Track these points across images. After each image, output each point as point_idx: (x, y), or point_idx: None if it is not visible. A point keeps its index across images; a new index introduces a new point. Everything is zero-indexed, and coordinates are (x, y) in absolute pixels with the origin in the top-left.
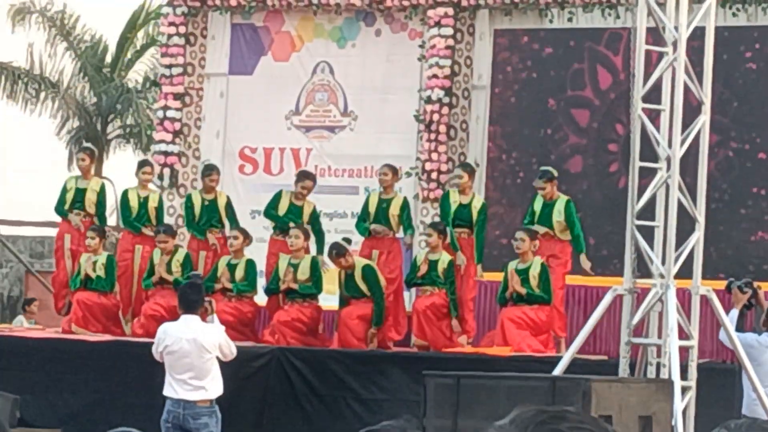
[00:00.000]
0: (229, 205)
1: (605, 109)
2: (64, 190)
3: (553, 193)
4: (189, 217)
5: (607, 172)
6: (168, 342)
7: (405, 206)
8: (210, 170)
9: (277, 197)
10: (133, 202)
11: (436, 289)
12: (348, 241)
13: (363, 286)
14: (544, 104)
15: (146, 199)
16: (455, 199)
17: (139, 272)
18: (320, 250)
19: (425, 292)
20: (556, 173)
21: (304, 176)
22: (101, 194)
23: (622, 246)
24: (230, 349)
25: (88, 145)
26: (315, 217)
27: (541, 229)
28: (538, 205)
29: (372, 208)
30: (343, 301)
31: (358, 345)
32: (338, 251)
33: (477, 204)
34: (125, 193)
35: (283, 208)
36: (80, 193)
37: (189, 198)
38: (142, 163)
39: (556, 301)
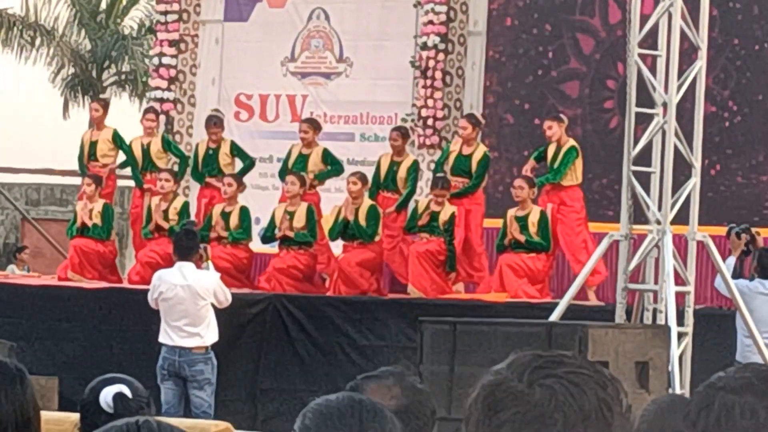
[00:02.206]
0: (234, 147)
1: (610, 44)
2: (81, 146)
3: (561, 137)
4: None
5: (602, 108)
6: (162, 289)
7: (412, 169)
8: (207, 122)
9: (288, 154)
10: (137, 152)
11: (433, 237)
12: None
13: (365, 224)
14: (551, 23)
15: (149, 145)
16: (454, 148)
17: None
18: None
19: (422, 239)
20: (565, 119)
21: (301, 122)
22: (116, 141)
23: (617, 189)
24: (225, 296)
25: (104, 96)
26: (326, 156)
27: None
28: (551, 151)
29: (383, 170)
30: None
31: (357, 293)
32: (362, 177)
33: (478, 155)
34: (129, 144)
35: (291, 162)
36: (93, 146)
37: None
38: (145, 111)
39: (577, 253)
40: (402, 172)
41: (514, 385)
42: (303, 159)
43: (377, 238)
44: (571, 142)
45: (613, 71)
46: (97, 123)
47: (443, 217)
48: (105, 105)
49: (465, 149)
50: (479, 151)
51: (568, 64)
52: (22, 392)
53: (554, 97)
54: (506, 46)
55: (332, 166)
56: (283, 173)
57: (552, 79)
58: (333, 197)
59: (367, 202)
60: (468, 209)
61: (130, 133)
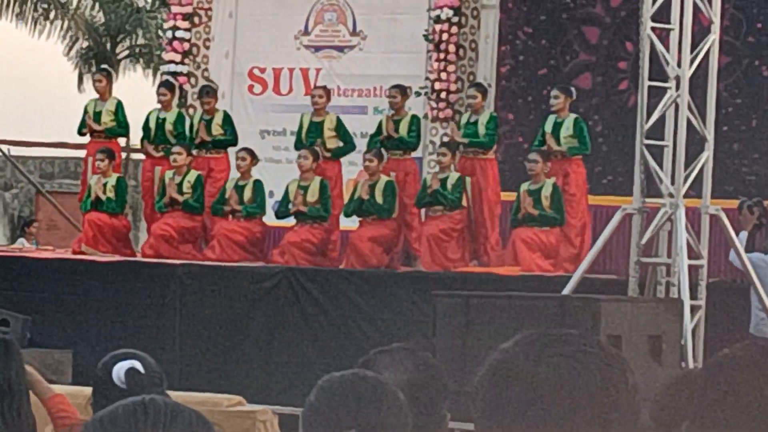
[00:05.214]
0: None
1: (615, 27)
2: (84, 113)
3: (565, 110)
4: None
5: (617, 90)
6: None
7: (414, 123)
8: (199, 92)
9: (300, 123)
10: (151, 123)
11: (446, 211)
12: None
13: (381, 201)
14: (554, 20)
15: (164, 120)
16: (464, 120)
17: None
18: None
19: (436, 212)
20: (574, 92)
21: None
22: (118, 112)
23: (631, 165)
24: None
25: (105, 66)
26: (339, 126)
27: (554, 147)
28: (549, 125)
29: (385, 130)
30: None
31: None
32: (378, 153)
33: (485, 118)
34: (147, 116)
35: (303, 130)
36: (98, 117)
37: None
38: (159, 85)
39: (570, 230)
40: (403, 129)
41: (520, 364)
42: (316, 127)
43: (394, 215)
44: (574, 115)
45: (623, 52)
46: (101, 93)
47: (451, 181)
48: (107, 75)
49: (472, 117)
50: (485, 114)
51: (578, 57)
52: (6, 361)
53: (575, 41)
54: (520, 18)
55: (344, 140)
56: (299, 144)
57: (564, 76)
58: (346, 171)
59: (383, 178)
60: (480, 185)
61: (144, 107)
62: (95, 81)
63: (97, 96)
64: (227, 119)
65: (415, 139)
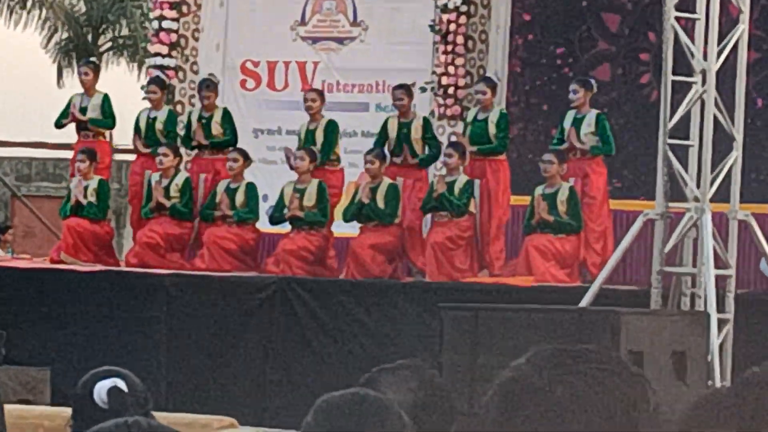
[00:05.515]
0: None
1: (637, 15)
2: (68, 105)
3: (586, 105)
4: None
5: (638, 84)
6: None
7: (427, 130)
8: (201, 87)
9: (299, 134)
10: (142, 124)
11: (453, 217)
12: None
13: (383, 206)
14: (571, 8)
15: (155, 119)
16: (471, 117)
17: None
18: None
19: (442, 219)
20: (595, 85)
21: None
22: (104, 105)
23: (653, 166)
24: None
25: (93, 59)
26: (328, 128)
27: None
28: (568, 122)
29: (392, 134)
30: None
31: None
32: (379, 154)
33: (495, 116)
34: (138, 115)
35: (301, 141)
36: (83, 112)
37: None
38: (148, 82)
39: (591, 235)
40: (415, 133)
41: (533, 382)
42: (312, 135)
43: (397, 220)
44: (595, 111)
45: (645, 42)
46: (87, 88)
47: (458, 185)
48: (95, 68)
49: (480, 114)
50: (495, 112)
51: (596, 47)
52: None
53: (593, 29)
54: (534, 6)
55: (321, 149)
56: None
57: (582, 67)
58: (346, 173)
59: (386, 181)
60: (489, 189)
61: (128, 103)
62: (81, 74)
63: (81, 91)
64: (227, 116)
65: (435, 150)
